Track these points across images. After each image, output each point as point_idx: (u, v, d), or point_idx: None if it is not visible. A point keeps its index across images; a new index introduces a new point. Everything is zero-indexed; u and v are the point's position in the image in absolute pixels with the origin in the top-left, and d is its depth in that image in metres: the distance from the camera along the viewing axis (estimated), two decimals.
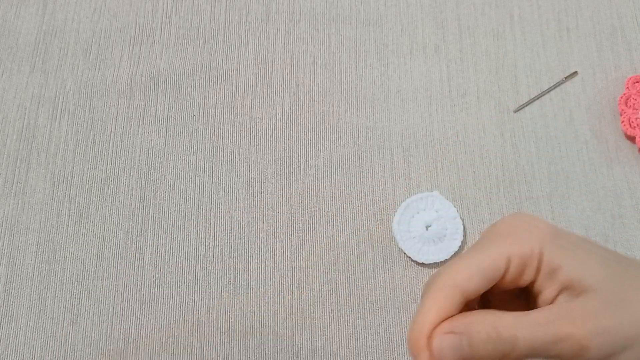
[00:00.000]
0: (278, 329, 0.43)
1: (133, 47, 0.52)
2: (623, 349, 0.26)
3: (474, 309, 0.30)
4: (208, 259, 0.45)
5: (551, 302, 0.28)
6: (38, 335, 0.43)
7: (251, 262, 0.45)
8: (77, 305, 0.44)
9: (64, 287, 0.44)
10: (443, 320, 0.28)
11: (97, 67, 0.51)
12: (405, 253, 0.45)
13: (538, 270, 0.28)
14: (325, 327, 0.43)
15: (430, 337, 0.27)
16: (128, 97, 0.50)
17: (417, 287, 0.44)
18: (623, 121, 0.48)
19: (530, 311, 0.28)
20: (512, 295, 0.32)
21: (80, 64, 0.51)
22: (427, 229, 0.45)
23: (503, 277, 0.28)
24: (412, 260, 0.45)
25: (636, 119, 0.48)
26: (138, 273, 0.44)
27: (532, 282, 0.29)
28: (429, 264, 0.44)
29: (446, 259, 0.44)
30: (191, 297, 0.44)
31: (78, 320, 0.43)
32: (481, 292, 0.29)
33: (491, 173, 0.48)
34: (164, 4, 0.54)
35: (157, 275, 0.44)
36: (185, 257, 0.45)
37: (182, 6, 0.53)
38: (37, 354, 0.42)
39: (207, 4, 0.53)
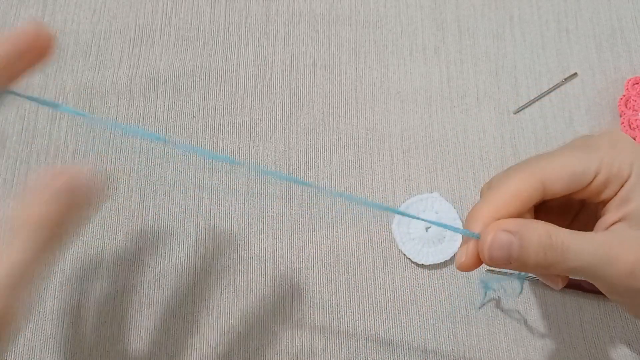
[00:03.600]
0: (278, 330, 0.43)
1: (133, 49, 0.52)
2: None
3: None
4: (207, 260, 0.45)
5: (607, 228, 0.28)
6: (37, 336, 0.43)
7: (251, 263, 0.45)
8: (76, 306, 0.44)
9: (63, 289, 0.44)
10: (508, 212, 0.28)
11: (97, 68, 0.51)
12: (405, 254, 0.45)
13: (616, 192, 0.28)
14: (325, 329, 0.43)
15: (487, 225, 0.27)
16: (128, 99, 0.50)
17: (417, 289, 0.44)
18: (623, 123, 0.48)
19: (586, 232, 0.28)
20: (563, 212, 0.31)
21: (79, 65, 0.51)
22: (427, 231, 0.45)
23: (584, 187, 0.28)
24: (412, 262, 0.45)
25: (636, 120, 0.48)
26: (137, 274, 0.44)
27: (602, 203, 0.29)
28: (429, 265, 0.44)
29: (446, 261, 0.44)
30: (190, 299, 0.44)
31: (77, 322, 0.43)
32: (559, 195, 0.28)
33: (491, 174, 0.48)
34: (163, 5, 0.54)
35: (156, 277, 0.44)
36: (184, 258, 0.45)
37: (181, 7, 0.53)
38: (36, 355, 0.42)
39: (206, 5, 0.53)
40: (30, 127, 0.49)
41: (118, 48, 0.52)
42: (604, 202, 0.29)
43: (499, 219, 0.28)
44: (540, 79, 0.51)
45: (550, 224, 0.28)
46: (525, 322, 0.43)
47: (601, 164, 0.28)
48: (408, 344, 0.43)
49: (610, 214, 0.28)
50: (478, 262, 0.28)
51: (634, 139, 0.48)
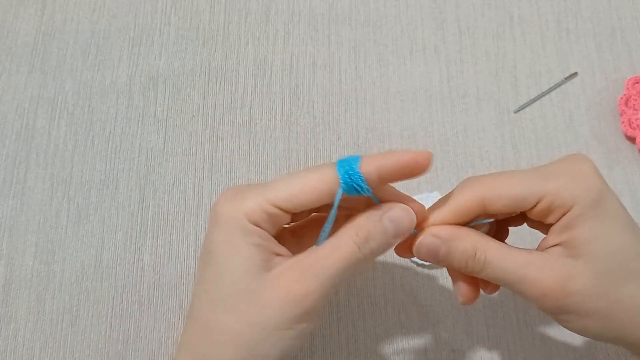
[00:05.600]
0: None
1: (132, 48, 0.52)
2: (576, 317, 0.30)
3: None
4: None
5: (545, 249, 0.31)
6: (37, 336, 0.43)
7: None
8: (76, 306, 0.44)
9: (62, 288, 0.44)
10: (445, 220, 0.32)
11: (96, 67, 0.51)
12: None
13: (558, 220, 0.30)
14: (325, 329, 0.43)
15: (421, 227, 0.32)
16: (127, 98, 0.50)
17: (417, 289, 0.44)
18: (623, 122, 0.48)
19: (519, 248, 0.31)
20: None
21: (79, 65, 0.51)
22: None
23: (528, 210, 0.31)
24: (412, 262, 0.45)
25: (636, 119, 0.48)
26: (137, 274, 0.44)
27: (547, 225, 0.32)
28: (429, 265, 0.44)
29: None
30: (190, 299, 0.44)
31: (77, 322, 0.43)
32: (502, 213, 0.31)
33: None
34: (163, 4, 0.53)
35: (156, 277, 0.44)
36: (184, 258, 0.45)
37: (181, 7, 0.53)
38: (36, 355, 0.42)
39: (206, 4, 0.53)
40: (29, 126, 0.49)
41: (118, 47, 0.52)
42: (552, 225, 0.31)
43: (435, 224, 0.32)
44: (540, 78, 0.51)
45: (484, 236, 0.32)
46: (525, 322, 0.43)
47: (547, 192, 0.30)
48: (408, 344, 0.43)
49: (551, 237, 0.31)
50: (409, 252, 0.33)
51: (635, 139, 0.48)
